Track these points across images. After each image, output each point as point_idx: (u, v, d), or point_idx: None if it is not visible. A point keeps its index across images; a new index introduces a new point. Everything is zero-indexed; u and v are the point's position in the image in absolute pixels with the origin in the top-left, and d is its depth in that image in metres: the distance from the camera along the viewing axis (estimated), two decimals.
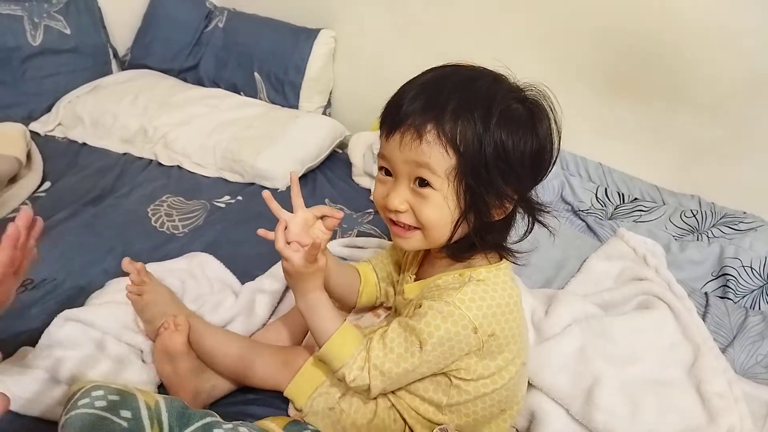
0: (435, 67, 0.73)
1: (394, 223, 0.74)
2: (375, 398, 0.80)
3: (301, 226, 0.78)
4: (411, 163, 0.68)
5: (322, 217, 0.81)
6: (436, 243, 0.73)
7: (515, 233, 0.78)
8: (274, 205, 0.79)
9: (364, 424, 0.81)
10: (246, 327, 0.99)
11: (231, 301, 1.02)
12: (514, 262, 0.80)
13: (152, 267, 1.01)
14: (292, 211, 0.80)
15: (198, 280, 1.05)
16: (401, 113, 0.67)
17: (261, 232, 0.78)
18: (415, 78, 0.72)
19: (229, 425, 0.68)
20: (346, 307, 0.97)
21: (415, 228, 0.72)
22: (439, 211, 0.69)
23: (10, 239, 0.61)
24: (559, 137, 0.72)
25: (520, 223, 0.77)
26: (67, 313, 0.92)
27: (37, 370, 0.82)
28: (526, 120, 0.69)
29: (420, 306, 0.74)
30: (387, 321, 0.88)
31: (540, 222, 0.75)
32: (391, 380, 0.74)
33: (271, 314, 1.03)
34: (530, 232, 0.77)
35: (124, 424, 0.62)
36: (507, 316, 0.74)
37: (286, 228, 0.76)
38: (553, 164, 0.73)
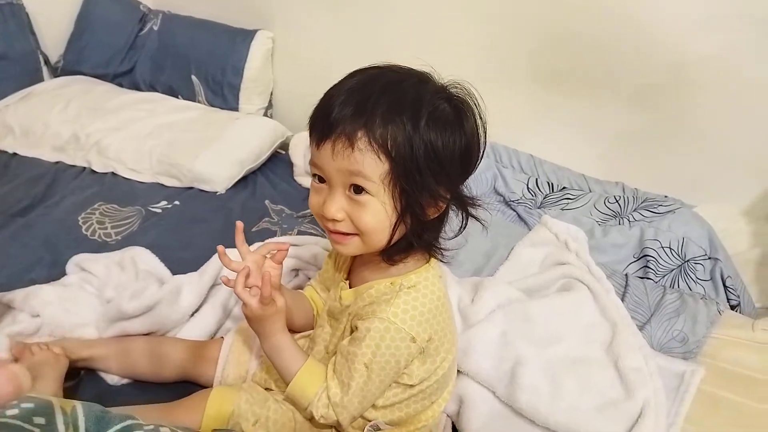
0: (360, 70, 0.73)
1: (331, 230, 0.73)
2: None
3: (253, 270, 0.79)
4: (344, 172, 0.67)
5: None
6: (375, 247, 0.73)
7: (449, 228, 0.80)
8: (226, 260, 0.80)
9: (291, 426, 0.82)
10: (167, 316, 0.98)
11: (154, 289, 1.02)
12: (442, 260, 0.82)
13: (81, 256, 1.00)
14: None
15: (125, 270, 1.04)
16: (330, 121, 0.66)
17: (223, 279, 0.79)
18: (341, 83, 0.71)
19: (150, 426, 0.67)
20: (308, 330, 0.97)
21: (354, 234, 0.72)
22: (377, 216, 0.69)
23: None
24: (485, 132, 0.73)
25: (454, 219, 0.79)
26: None
27: None
28: (453, 119, 0.70)
29: (356, 328, 0.76)
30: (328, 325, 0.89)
31: (473, 216, 0.77)
32: (355, 408, 0.76)
33: (198, 308, 1.03)
34: (465, 228, 0.78)
35: (37, 430, 0.61)
36: (438, 317, 0.76)
37: (248, 275, 0.77)
38: (481, 159, 0.74)
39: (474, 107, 0.72)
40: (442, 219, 0.77)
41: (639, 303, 1.09)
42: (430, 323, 0.75)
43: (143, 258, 1.09)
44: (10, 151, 1.60)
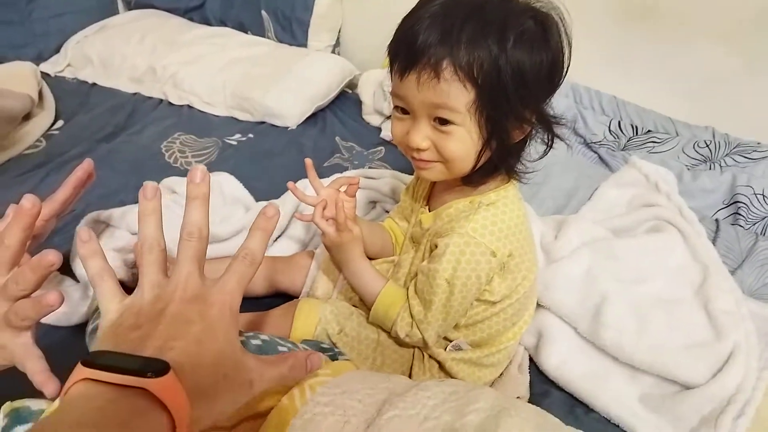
0: None
1: (416, 158, 0.73)
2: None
3: (329, 202, 0.83)
4: (430, 105, 0.66)
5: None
6: (460, 173, 0.73)
7: (534, 150, 0.78)
8: (300, 194, 0.85)
9: (375, 339, 0.84)
10: None
11: (241, 214, 1.05)
12: (521, 181, 0.80)
13: (171, 179, 1.07)
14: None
15: (213, 193, 1.07)
16: (415, 50, 0.64)
17: (297, 216, 0.86)
18: (421, 7, 0.67)
19: (250, 333, 0.70)
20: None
21: (438, 161, 0.72)
22: (463, 144, 0.68)
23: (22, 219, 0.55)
24: (570, 44, 0.69)
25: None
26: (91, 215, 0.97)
27: (71, 286, 0.86)
28: (540, 36, 0.66)
29: (436, 246, 0.75)
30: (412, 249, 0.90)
31: (558, 137, 0.74)
32: (439, 326, 0.76)
33: (279, 236, 1.07)
34: (551, 148, 0.75)
35: None
36: (518, 234, 0.76)
37: (325, 206, 0.82)
38: (567, 70, 0.70)
39: (558, 20, 0.68)
40: (525, 141, 0.74)
41: (730, 248, 1.05)
42: (510, 239, 0.74)
43: (230, 184, 1.12)
44: (90, 81, 1.65)
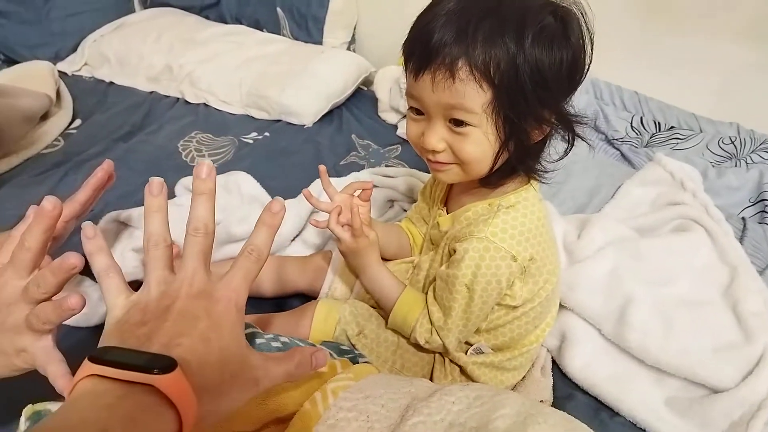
0: None
1: (431, 160, 0.71)
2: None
3: (344, 208, 0.82)
4: (445, 105, 0.64)
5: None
6: (477, 175, 0.71)
7: (553, 150, 0.76)
8: (314, 201, 0.84)
9: (394, 342, 0.83)
10: None
11: (258, 214, 1.03)
12: (542, 181, 0.78)
13: (189, 179, 1.07)
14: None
15: (231, 194, 1.07)
16: (430, 50, 0.62)
17: (312, 222, 0.85)
18: (436, 4, 0.65)
19: (270, 335, 0.69)
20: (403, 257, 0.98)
21: (454, 163, 0.70)
22: (480, 146, 0.66)
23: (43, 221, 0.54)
24: (591, 40, 0.66)
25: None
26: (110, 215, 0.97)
27: (90, 286, 0.86)
28: (560, 33, 0.63)
29: (454, 251, 0.74)
30: (424, 253, 0.88)
31: (579, 136, 0.72)
32: (460, 332, 0.75)
33: (295, 236, 1.06)
34: (572, 147, 0.73)
35: None
36: (539, 238, 0.74)
37: (340, 212, 0.81)
38: (588, 68, 0.68)
39: (580, 15, 0.65)
40: (545, 141, 0.72)
41: (758, 248, 1.02)
42: (531, 243, 0.72)
43: (247, 183, 1.11)
44: (107, 80, 1.66)
